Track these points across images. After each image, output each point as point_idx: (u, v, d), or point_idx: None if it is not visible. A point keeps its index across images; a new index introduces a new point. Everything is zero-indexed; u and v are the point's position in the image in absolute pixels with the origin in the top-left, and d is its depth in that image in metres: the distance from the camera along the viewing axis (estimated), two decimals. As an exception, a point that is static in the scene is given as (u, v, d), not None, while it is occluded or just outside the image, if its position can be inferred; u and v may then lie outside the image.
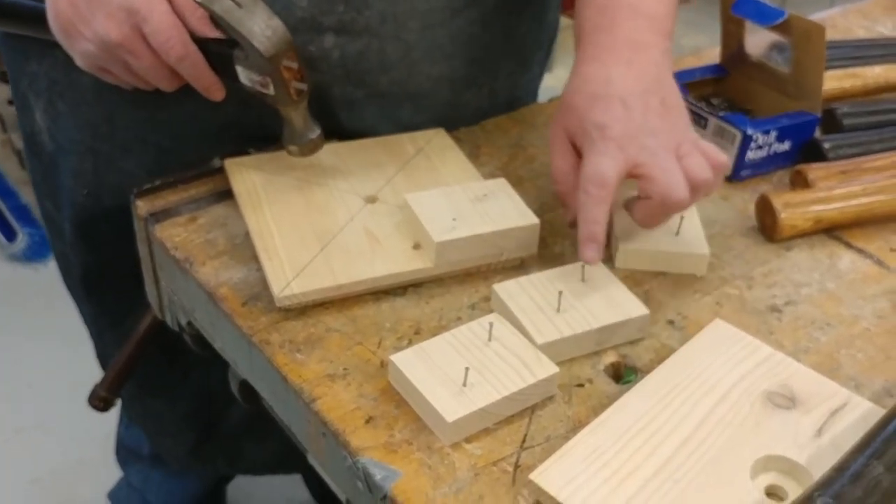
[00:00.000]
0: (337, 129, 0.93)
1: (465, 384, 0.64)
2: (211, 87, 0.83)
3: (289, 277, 0.74)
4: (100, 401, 1.07)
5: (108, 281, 1.06)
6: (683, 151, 0.76)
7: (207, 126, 0.91)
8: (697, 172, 0.76)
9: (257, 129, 0.90)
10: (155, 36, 0.78)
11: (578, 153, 0.80)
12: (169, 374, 1.15)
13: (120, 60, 0.80)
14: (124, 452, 1.56)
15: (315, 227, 0.80)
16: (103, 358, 1.25)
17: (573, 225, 0.80)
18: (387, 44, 0.89)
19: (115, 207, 0.94)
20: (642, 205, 0.77)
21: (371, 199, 0.84)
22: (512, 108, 1.05)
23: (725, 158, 0.79)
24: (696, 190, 0.76)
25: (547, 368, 0.66)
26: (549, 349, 0.69)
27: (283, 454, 1.33)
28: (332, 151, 0.90)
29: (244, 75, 0.80)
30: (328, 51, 0.87)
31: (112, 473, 1.71)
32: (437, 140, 0.93)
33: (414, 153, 0.91)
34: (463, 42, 0.94)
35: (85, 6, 0.77)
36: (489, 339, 0.69)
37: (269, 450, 1.30)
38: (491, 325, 0.69)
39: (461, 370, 0.65)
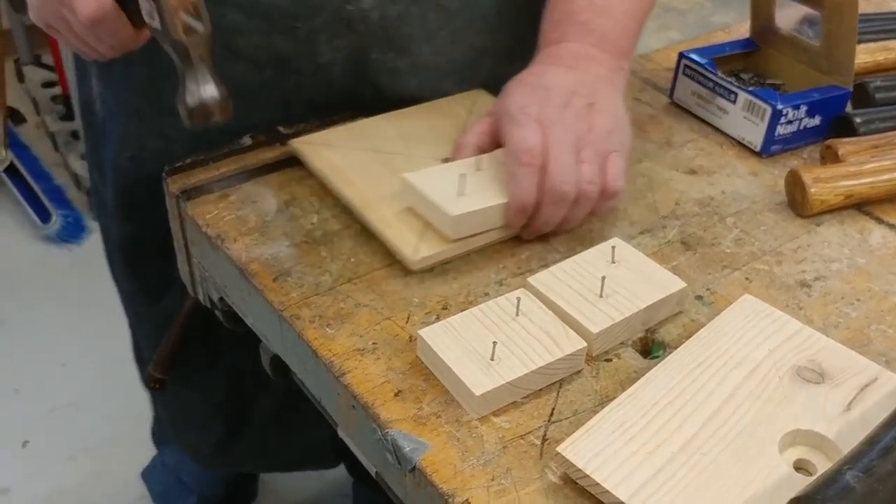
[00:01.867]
0: (375, 97, 0.93)
1: (492, 358, 0.65)
2: (124, 44, 0.78)
3: (415, 241, 0.75)
4: (155, 382, 1.08)
5: (146, 254, 1.06)
6: (582, 157, 0.77)
7: (244, 88, 0.90)
8: (582, 178, 0.76)
9: (295, 94, 0.90)
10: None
11: (498, 137, 0.81)
12: (199, 358, 1.15)
13: (60, 16, 0.76)
14: (159, 430, 1.57)
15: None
16: (140, 340, 1.25)
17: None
18: (427, 10, 0.89)
19: (154, 176, 0.94)
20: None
21: (447, 161, 0.84)
22: None
23: (619, 188, 0.79)
24: (577, 198, 0.76)
25: (574, 343, 0.67)
26: (603, 337, 0.69)
27: (311, 450, 1.32)
28: (389, 120, 0.91)
29: (144, 9, 0.70)
30: (367, 11, 0.87)
31: (145, 451, 1.73)
32: (480, 100, 0.94)
33: (466, 114, 0.92)
34: (507, 14, 0.94)
35: None
36: (517, 314, 0.69)
37: (296, 446, 1.29)
38: (518, 300, 0.69)
39: (489, 345, 0.65)
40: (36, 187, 2.40)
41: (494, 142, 0.83)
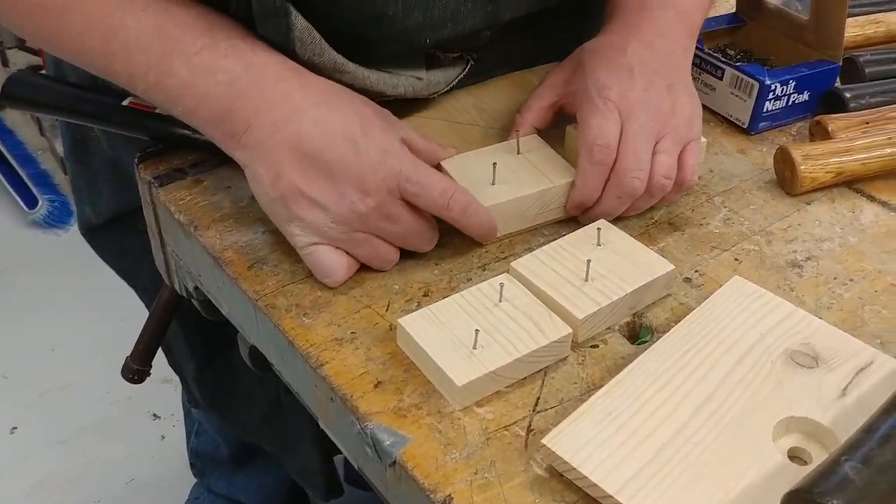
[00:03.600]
0: None
1: (475, 347, 0.63)
2: (492, 229, 0.74)
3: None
4: (133, 374, 1.07)
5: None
6: (661, 147, 0.75)
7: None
8: (658, 172, 0.74)
9: None
10: (427, 194, 0.69)
11: (558, 110, 0.82)
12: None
13: (365, 234, 0.70)
14: (201, 463, 1.54)
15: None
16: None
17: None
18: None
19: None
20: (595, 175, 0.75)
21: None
22: None
23: (694, 182, 0.77)
24: (650, 190, 0.75)
25: (559, 329, 0.65)
26: (588, 322, 0.67)
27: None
28: (466, 91, 0.92)
29: None
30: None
31: (137, 433, 1.72)
32: None
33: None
34: (538, 31, 0.94)
35: (327, 179, 0.68)
36: (500, 300, 0.67)
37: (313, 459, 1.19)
38: (502, 285, 0.67)
39: (471, 332, 0.63)
40: (22, 172, 2.38)
41: (555, 116, 0.82)
